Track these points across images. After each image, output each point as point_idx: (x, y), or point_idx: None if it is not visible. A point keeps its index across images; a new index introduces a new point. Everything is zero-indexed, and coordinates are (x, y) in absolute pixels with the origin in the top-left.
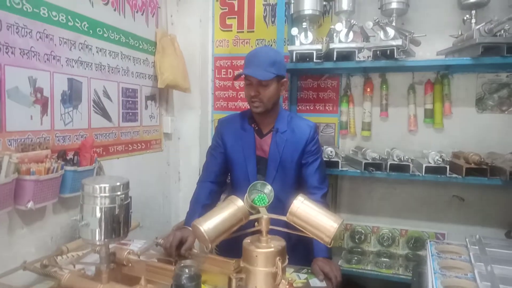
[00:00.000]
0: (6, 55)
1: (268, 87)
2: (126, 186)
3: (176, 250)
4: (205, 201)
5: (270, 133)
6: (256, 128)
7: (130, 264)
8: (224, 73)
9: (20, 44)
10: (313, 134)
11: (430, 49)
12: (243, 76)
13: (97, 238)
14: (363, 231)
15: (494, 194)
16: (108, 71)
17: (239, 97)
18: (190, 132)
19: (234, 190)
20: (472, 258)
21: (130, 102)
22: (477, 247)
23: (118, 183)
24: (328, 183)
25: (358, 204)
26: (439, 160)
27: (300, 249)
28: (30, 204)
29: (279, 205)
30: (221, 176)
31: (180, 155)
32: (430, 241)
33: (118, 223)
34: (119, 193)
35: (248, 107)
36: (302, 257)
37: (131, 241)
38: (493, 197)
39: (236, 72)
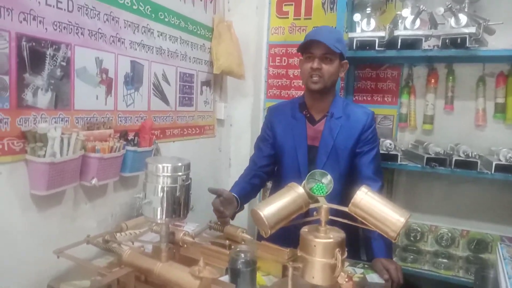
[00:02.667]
0: (76, 36)
1: (332, 62)
2: (187, 167)
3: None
4: (250, 179)
5: (323, 120)
6: (308, 115)
7: (185, 245)
8: (279, 61)
9: (89, 25)
10: (370, 121)
11: (504, 39)
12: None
13: (158, 217)
14: (419, 229)
15: None
16: (168, 55)
17: (292, 85)
18: (242, 119)
19: (283, 181)
20: None
21: (187, 87)
22: None
23: (179, 164)
24: (383, 177)
25: (415, 201)
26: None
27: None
28: (94, 181)
29: (328, 196)
30: (268, 167)
31: (231, 142)
32: (501, 244)
33: (179, 203)
34: (180, 173)
35: (300, 94)
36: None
37: (185, 223)
38: None
39: (291, 61)
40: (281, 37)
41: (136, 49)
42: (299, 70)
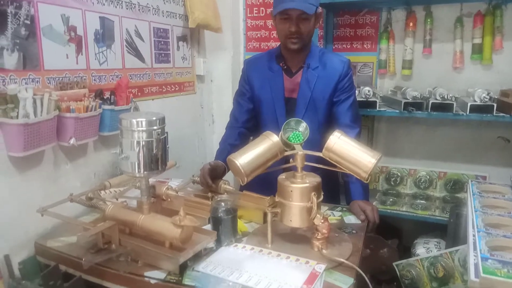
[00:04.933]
0: None
1: (309, 21)
2: (162, 121)
3: (211, 180)
4: (234, 141)
5: (300, 71)
6: (285, 67)
7: (169, 199)
8: (256, 11)
9: None
10: (346, 69)
11: None
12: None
13: (136, 171)
14: (399, 174)
15: None
16: (139, 10)
17: (271, 37)
18: (223, 74)
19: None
20: None
21: (162, 42)
22: None
23: (154, 118)
24: (361, 123)
25: (395, 147)
26: (486, 98)
27: (330, 186)
28: (72, 141)
29: (308, 145)
30: (249, 122)
31: (213, 98)
32: (471, 181)
33: (156, 156)
34: (155, 127)
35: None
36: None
37: (170, 179)
38: None
39: (269, 11)
40: None
41: (104, 4)
42: (276, 18)
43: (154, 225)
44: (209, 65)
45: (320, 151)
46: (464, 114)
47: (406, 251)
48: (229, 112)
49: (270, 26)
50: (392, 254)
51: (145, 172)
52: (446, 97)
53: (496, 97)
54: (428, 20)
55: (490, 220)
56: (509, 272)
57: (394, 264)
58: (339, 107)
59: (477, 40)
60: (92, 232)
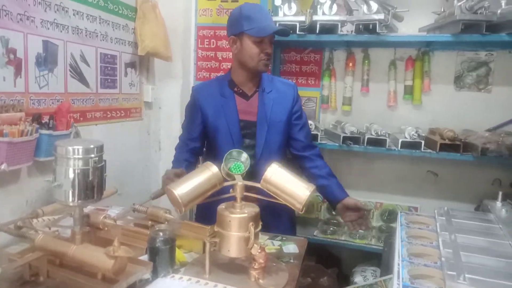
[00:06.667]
0: None
1: (273, 42)
2: (100, 149)
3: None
4: (189, 158)
5: (255, 95)
6: (240, 91)
7: (106, 228)
8: (207, 43)
9: None
10: (297, 93)
11: (413, 25)
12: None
13: (70, 199)
14: None
15: (467, 170)
16: (86, 35)
17: (221, 68)
18: (172, 101)
19: (219, 157)
20: (438, 228)
21: (109, 68)
22: (444, 218)
23: (92, 146)
24: None
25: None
26: (415, 135)
27: (284, 219)
28: (3, 166)
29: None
30: (198, 149)
31: (161, 125)
32: (401, 212)
33: (92, 185)
34: (92, 155)
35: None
36: (287, 227)
37: (109, 207)
38: (465, 173)
39: (220, 43)
40: (209, 19)
41: (48, 28)
42: (228, 52)
43: (86, 256)
44: (158, 92)
45: None
46: (396, 149)
47: (346, 279)
48: (177, 139)
49: (220, 58)
50: (332, 283)
51: (79, 201)
52: (379, 133)
53: (424, 135)
54: (366, 61)
55: (414, 249)
56: None
57: None
58: (297, 129)
59: (409, 82)
60: (18, 264)
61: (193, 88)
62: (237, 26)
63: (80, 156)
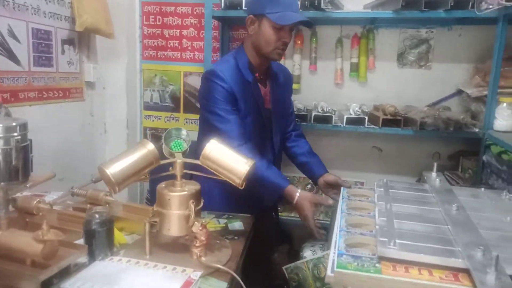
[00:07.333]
0: None
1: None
2: (23, 127)
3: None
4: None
5: (267, 82)
6: (261, 77)
7: (40, 214)
8: (153, 19)
9: None
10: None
11: (359, 2)
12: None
13: None
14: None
15: (408, 144)
16: (14, 8)
17: (168, 46)
18: (117, 81)
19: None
20: (376, 199)
21: (43, 45)
22: (382, 189)
23: (13, 124)
24: None
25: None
26: (359, 112)
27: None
28: None
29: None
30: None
31: (106, 106)
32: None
33: (16, 167)
34: (15, 134)
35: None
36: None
37: (48, 193)
38: (407, 148)
39: (166, 20)
40: None
41: None
42: (175, 30)
43: (13, 242)
44: (101, 71)
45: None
46: (342, 125)
47: (296, 255)
48: (124, 121)
49: (167, 36)
50: (282, 259)
51: (2, 183)
52: (325, 110)
53: (368, 111)
54: (313, 39)
55: (352, 220)
56: (358, 265)
57: (283, 268)
58: (291, 115)
59: (354, 60)
60: None
61: (213, 73)
62: (259, 5)
63: (1, 135)
